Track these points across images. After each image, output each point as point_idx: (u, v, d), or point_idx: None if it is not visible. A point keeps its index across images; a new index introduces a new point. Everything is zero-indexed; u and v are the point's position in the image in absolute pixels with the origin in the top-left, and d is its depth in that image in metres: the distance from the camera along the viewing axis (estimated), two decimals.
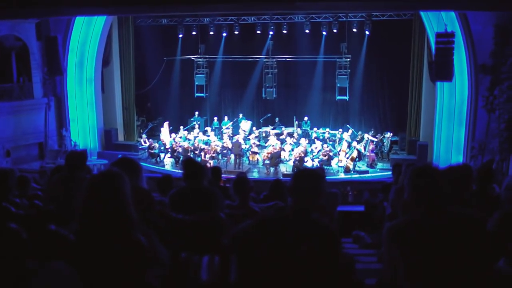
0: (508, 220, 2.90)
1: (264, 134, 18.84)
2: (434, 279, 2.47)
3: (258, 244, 2.56)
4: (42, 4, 11.72)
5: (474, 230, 2.54)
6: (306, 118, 19.00)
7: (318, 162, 15.91)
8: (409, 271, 2.52)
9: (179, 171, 14.57)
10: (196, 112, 20.17)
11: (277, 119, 19.68)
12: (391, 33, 17.53)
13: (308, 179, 2.65)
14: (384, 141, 17.44)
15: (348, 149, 16.46)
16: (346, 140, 16.85)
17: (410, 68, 17.25)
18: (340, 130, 18.22)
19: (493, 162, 13.46)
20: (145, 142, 17.82)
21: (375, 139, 16.87)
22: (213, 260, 3.53)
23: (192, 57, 20.21)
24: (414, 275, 2.52)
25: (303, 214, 2.59)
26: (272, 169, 15.80)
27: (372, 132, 17.55)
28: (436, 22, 13.98)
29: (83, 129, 17.83)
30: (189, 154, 16.27)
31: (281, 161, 16.15)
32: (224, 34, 19.46)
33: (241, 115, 19.61)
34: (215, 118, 20.01)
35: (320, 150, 16.43)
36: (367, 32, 17.92)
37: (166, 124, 18.64)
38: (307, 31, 18.28)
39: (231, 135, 17.97)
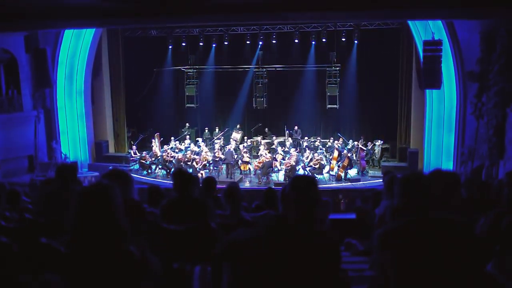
0: (496, 224, 2.93)
1: (255, 144, 18.86)
2: (424, 285, 2.49)
3: (255, 254, 2.56)
4: (31, 17, 11.71)
5: (463, 236, 2.57)
6: (296, 127, 19.07)
7: (310, 170, 15.96)
8: (400, 276, 2.55)
9: (171, 182, 14.52)
10: (187, 123, 20.18)
11: (266, 130, 19.71)
12: (380, 42, 17.72)
13: (307, 186, 2.65)
14: (375, 148, 17.53)
15: (339, 158, 16.52)
16: (337, 149, 16.92)
17: (399, 76, 17.38)
18: (331, 138, 18.29)
19: (483, 168, 13.58)
20: (135, 154, 17.77)
21: (364, 148, 16.95)
22: (205, 270, 3.53)
23: (182, 67, 20.25)
24: (405, 280, 2.54)
25: (306, 223, 2.59)
26: (263, 178, 15.81)
27: (362, 140, 17.63)
28: (423, 30, 14.14)
29: (74, 141, 17.74)
30: (181, 164, 16.24)
31: (273, 171, 16.17)
32: (214, 45, 19.55)
33: (238, 126, 19.67)
34: (206, 129, 20.04)
35: (311, 159, 16.49)
36: (355, 41, 18.10)
37: (157, 135, 18.62)
38: (296, 40, 18.42)
39: (222, 145, 17.99)
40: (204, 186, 5.83)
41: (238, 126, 19.67)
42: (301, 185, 2.64)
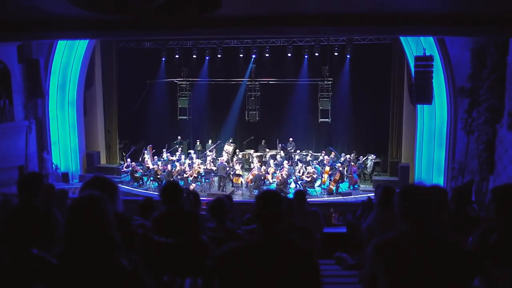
0: (484, 240, 2.96)
1: (247, 157, 18.86)
2: None
3: (237, 269, 2.58)
4: (25, 28, 11.70)
5: (454, 251, 2.59)
6: (290, 139, 19.10)
7: (301, 184, 15.97)
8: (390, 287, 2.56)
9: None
10: (179, 136, 20.16)
11: (263, 142, 19.70)
12: (372, 57, 17.84)
13: (268, 201, 2.70)
14: (367, 163, 17.58)
15: (331, 171, 16.57)
16: (328, 162, 16.97)
17: (391, 91, 17.53)
18: (323, 152, 18.35)
19: (473, 182, 13.66)
20: (127, 167, 17.68)
21: (355, 165, 16.97)
22: (196, 283, 3.52)
23: (175, 80, 20.28)
24: None
25: (274, 237, 2.63)
26: (255, 191, 15.79)
27: (354, 154, 17.69)
28: (415, 46, 14.29)
29: (65, 152, 17.66)
30: (172, 177, 16.21)
31: (264, 184, 16.16)
32: (207, 57, 19.63)
33: (231, 139, 19.70)
34: (198, 141, 20.04)
35: (303, 173, 16.52)
36: (348, 56, 18.25)
37: (149, 147, 18.58)
38: (289, 54, 18.54)
39: (215, 157, 17.98)
40: (194, 198, 5.84)
41: (230, 140, 19.69)
42: (263, 200, 2.69)
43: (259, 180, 15.86)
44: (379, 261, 2.62)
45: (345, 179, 16.65)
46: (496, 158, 13.45)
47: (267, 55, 18.81)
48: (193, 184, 16.05)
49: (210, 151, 18.78)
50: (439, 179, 14.83)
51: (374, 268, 2.65)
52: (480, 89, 13.55)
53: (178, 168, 16.87)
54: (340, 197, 15.60)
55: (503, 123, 13.05)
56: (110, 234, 2.45)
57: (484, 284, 2.79)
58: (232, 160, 17.94)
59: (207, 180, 16.68)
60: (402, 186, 2.81)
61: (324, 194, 16.10)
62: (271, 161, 17.40)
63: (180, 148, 19.26)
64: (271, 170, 16.61)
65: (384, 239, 2.71)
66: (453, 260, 2.55)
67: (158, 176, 16.78)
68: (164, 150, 18.70)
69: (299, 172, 16.70)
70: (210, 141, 19.80)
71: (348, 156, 17.44)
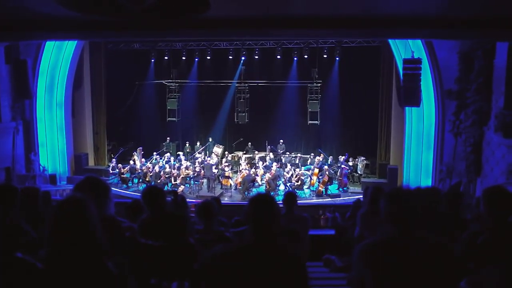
0: (472, 242, 2.97)
1: (236, 159, 18.84)
2: None
3: (226, 272, 2.57)
4: (12, 28, 11.59)
5: (441, 255, 2.60)
6: (281, 141, 19.10)
7: (290, 186, 15.98)
8: None
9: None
10: (168, 137, 20.10)
11: (249, 144, 19.70)
12: (361, 59, 17.90)
13: (262, 204, 2.69)
14: (358, 165, 17.59)
15: (320, 173, 16.59)
16: (318, 164, 16.98)
17: (379, 93, 17.59)
18: (312, 154, 18.37)
19: (461, 184, 13.76)
20: (113, 169, 17.54)
21: (346, 167, 16.99)
22: (183, 286, 3.50)
23: (164, 81, 20.22)
24: None
25: (267, 241, 2.62)
26: (245, 193, 15.76)
27: (346, 156, 17.71)
28: (403, 49, 14.37)
29: (53, 154, 17.51)
30: (160, 179, 16.15)
31: (254, 186, 16.15)
32: (196, 59, 19.59)
33: (210, 139, 19.68)
34: (187, 143, 19.99)
35: (292, 175, 16.52)
36: (337, 58, 18.31)
37: (139, 149, 18.49)
38: (278, 56, 18.56)
39: (204, 159, 17.93)
40: (182, 201, 5.81)
41: (210, 139, 19.67)
42: (257, 203, 2.68)
43: (248, 182, 15.84)
44: (365, 265, 2.62)
45: (334, 181, 16.68)
46: (483, 160, 13.57)
47: (256, 57, 18.81)
48: (181, 186, 15.99)
49: (199, 153, 18.75)
50: (427, 181, 14.91)
51: (361, 272, 2.65)
52: (468, 92, 13.66)
53: (167, 170, 16.80)
54: (329, 199, 15.63)
55: (490, 125, 13.16)
56: (94, 237, 2.42)
57: (470, 285, 2.80)
58: (221, 162, 17.91)
59: (196, 182, 16.63)
60: (387, 190, 2.81)
61: (313, 196, 16.12)
62: (260, 163, 17.39)
63: (169, 152, 19.19)
64: (260, 172, 16.59)
65: (369, 243, 2.71)
66: (439, 262, 2.56)
67: (147, 179, 16.70)
68: (154, 152, 18.66)
69: (288, 173, 16.70)
70: (198, 143, 19.75)
71: (342, 157, 17.37)
